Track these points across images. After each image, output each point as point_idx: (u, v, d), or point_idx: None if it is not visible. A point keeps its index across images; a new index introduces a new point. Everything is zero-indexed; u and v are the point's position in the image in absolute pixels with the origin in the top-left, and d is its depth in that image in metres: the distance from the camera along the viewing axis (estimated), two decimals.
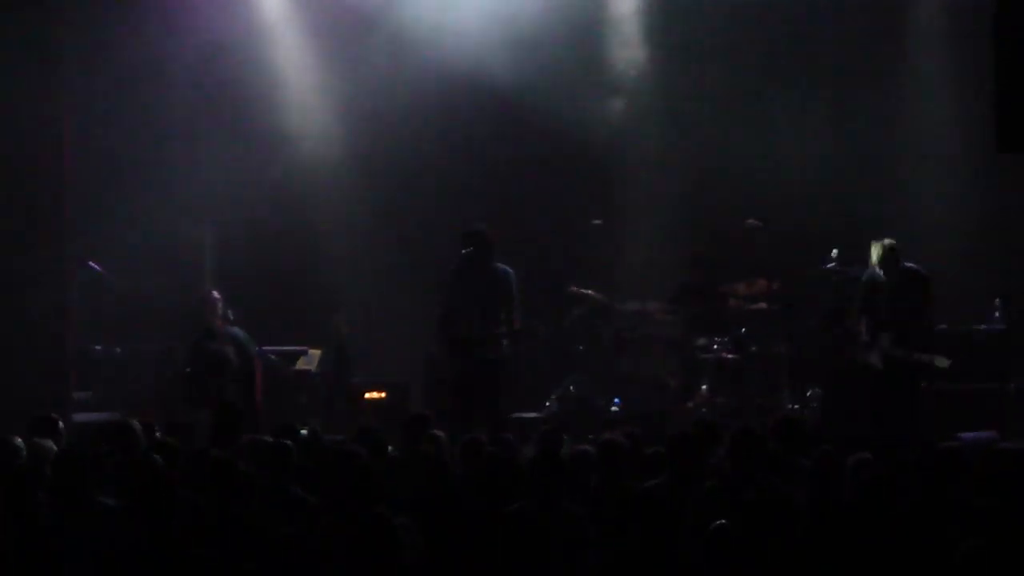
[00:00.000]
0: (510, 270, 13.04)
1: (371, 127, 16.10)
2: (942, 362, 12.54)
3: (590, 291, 15.18)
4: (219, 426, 9.99)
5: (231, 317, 14.13)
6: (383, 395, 14.72)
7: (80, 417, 13.40)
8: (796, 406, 14.01)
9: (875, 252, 12.76)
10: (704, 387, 14.53)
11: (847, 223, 14.74)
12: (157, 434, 9.81)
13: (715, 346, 14.61)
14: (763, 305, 14.68)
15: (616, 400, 14.53)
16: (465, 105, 15.84)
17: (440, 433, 9.80)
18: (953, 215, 14.94)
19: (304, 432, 10.11)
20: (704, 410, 14.05)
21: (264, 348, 14.20)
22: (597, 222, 15.22)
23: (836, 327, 13.37)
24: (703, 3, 15.67)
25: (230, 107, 15.91)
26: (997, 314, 13.97)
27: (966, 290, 14.35)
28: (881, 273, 12.69)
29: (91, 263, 14.77)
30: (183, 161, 15.87)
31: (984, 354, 13.66)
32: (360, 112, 16.10)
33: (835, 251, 13.71)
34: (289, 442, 8.65)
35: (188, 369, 13.88)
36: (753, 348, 14.50)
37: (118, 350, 15.09)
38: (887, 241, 12.76)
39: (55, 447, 8.89)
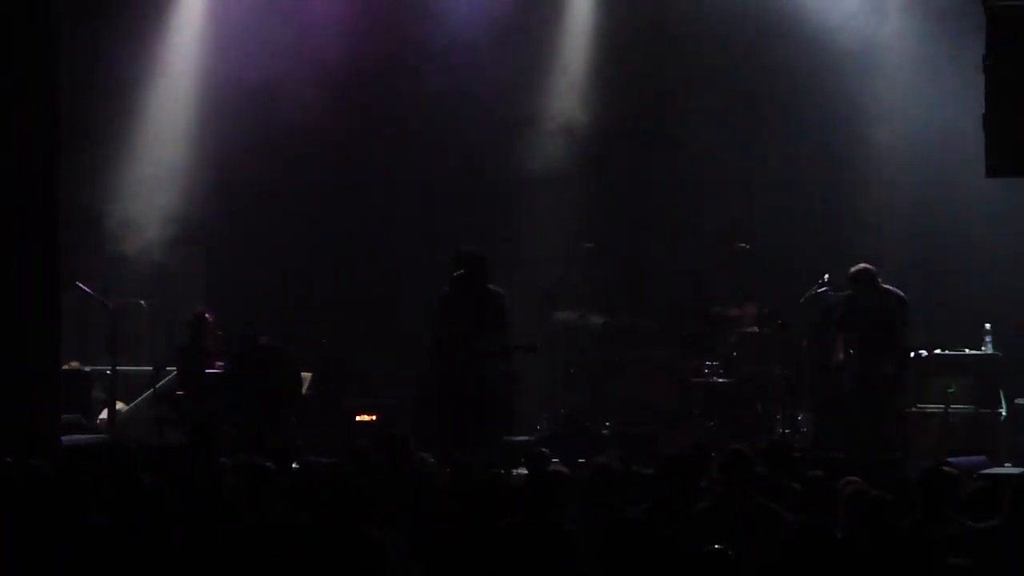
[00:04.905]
0: (502, 292, 13.05)
1: (363, 149, 16.13)
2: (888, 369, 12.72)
3: (582, 313, 15.18)
4: (195, 447, 9.87)
5: (222, 337, 14.14)
6: (375, 417, 14.70)
7: (70, 439, 13.35)
8: (787, 430, 14.02)
9: (853, 274, 12.90)
10: (695, 411, 14.53)
11: (836, 247, 14.79)
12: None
13: (706, 369, 14.63)
14: (754, 328, 14.70)
15: (607, 423, 14.51)
16: (465, 122, 15.89)
17: (427, 455, 9.79)
18: (945, 239, 14.98)
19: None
20: (695, 434, 14.04)
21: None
22: (589, 245, 15.23)
23: (818, 350, 13.47)
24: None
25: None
26: (988, 339, 14.02)
27: (957, 315, 14.39)
28: (858, 295, 12.84)
29: (79, 284, 14.73)
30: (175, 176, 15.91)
31: (975, 379, 13.75)
32: (351, 134, 16.11)
33: (826, 275, 13.78)
34: (270, 464, 8.60)
35: (180, 392, 13.88)
36: (744, 372, 14.51)
37: (108, 371, 15.05)
38: (864, 265, 12.96)
39: (47, 468, 8.87)
